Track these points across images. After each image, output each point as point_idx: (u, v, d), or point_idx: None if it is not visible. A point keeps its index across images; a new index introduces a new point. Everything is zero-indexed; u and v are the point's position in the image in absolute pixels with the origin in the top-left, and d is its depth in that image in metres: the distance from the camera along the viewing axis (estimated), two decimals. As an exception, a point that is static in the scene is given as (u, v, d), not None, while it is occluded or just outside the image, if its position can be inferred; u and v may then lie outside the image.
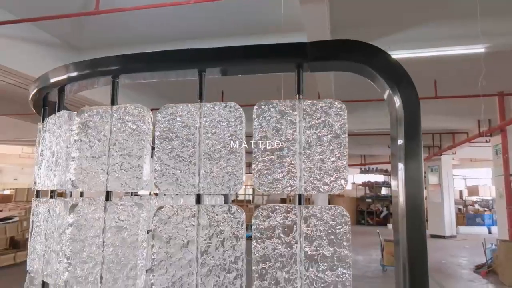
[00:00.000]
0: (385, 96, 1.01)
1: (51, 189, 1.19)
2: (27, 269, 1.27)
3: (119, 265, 1.02)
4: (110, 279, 1.03)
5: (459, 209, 16.57)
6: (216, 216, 1.00)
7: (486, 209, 16.60)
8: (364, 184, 19.73)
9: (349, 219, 0.95)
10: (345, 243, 0.94)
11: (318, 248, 0.95)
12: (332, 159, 0.97)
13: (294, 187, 0.97)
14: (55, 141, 1.20)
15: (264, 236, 0.97)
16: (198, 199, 1.02)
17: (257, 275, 0.97)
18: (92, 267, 1.04)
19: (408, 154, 0.95)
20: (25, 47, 6.49)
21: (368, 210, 18.06)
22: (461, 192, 18.74)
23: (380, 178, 20.02)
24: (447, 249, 10.96)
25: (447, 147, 12.32)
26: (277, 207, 0.98)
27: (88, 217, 1.07)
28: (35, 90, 1.30)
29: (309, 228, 0.96)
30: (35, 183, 1.30)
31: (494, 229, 13.46)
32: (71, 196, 1.69)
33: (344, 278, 0.93)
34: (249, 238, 0.93)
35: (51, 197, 1.20)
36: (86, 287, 1.05)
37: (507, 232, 9.10)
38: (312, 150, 0.98)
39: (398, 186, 0.98)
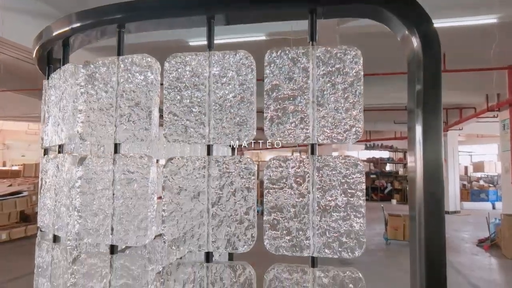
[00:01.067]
0: (401, 39, 0.96)
1: (59, 143, 1.18)
2: (38, 225, 1.27)
3: (129, 217, 1.02)
4: (121, 231, 1.02)
5: (464, 185, 16.60)
6: (227, 167, 0.98)
7: (491, 185, 16.61)
8: (369, 160, 19.73)
9: (363, 169, 0.92)
10: (358, 193, 0.92)
11: (331, 198, 0.93)
12: (347, 107, 0.94)
13: (307, 137, 0.95)
14: (61, 95, 1.18)
15: (276, 186, 0.96)
16: (209, 150, 1.00)
17: (268, 225, 0.96)
18: (103, 219, 1.04)
19: (428, 102, 0.91)
20: (25, 20, 6.39)
21: (372, 186, 18.14)
22: (466, 168, 18.70)
23: (384, 154, 20.00)
24: (451, 224, 11.03)
25: (454, 123, 12.19)
26: (290, 158, 0.96)
27: (97, 170, 1.06)
28: (39, 44, 1.26)
29: (322, 178, 0.94)
30: (42, 139, 1.29)
31: (498, 204, 13.50)
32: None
33: (358, 227, 0.92)
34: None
35: (59, 152, 1.18)
36: (97, 239, 1.05)
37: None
38: (325, 99, 0.95)
39: (415, 150, 0.93)
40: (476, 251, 8.08)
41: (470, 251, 8.10)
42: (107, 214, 1.04)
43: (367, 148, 19.46)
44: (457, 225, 11.03)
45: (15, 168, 13.49)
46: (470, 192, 15.90)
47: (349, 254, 0.91)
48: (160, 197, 1.06)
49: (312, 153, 0.95)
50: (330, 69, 0.95)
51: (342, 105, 0.94)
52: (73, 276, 1.05)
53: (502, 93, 9.68)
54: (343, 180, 0.93)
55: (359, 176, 0.92)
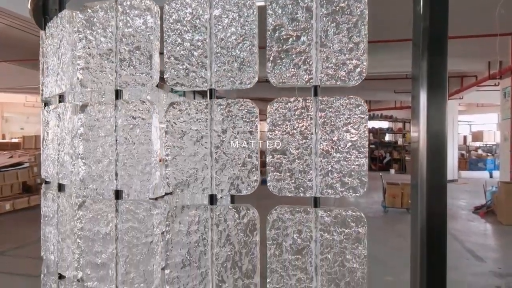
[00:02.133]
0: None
1: (59, 93, 1.17)
2: (42, 176, 1.28)
3: (133, 162, 1.03)
4: (125, 176, 1.03)
5: (462, 155, 16.71)
6: (230, 111, 0.98)
7: (489, 154, 16.72)
8: (368, 131, 19.69)
9: (366, 108, 0.92)
10: (361, 133, 0.92)
11: (334, 139, 0.93)
12: (350, 47, 0.92)
13: (310, 78, 0.94)
14: (59, 44, 1.15)
15: (279, 128, 0.96)
16: (211, 94, 0.99)
17: (272, 168, 0.96)
18: (107, 165, 1.05)
19: (433, 45, 0.89)
20: (18, -14, 6.18)
21: (371, 156, 18.25)
22: (465, 137, 18.76)
23: (384, 124, 19.97)
24: (448, 192, 11.16)
25: (454, 91, 12.11)
26: (292, 100, 0.95)
27: (99, 117, 1.05)
28: (34, -8, 1.22)
29: (325, 120, 0.94)
30: (42, 91, 1.27)
31: (496, 173, 13.65)
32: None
33: (360, 167, 0.93)
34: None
35: (60, 102, 1.18)
36: (102, 185, 1.06)
37: (509, 174, 9.21)
38: (329, 39, 0.93)
39: (419, 118, 0.93)
40: (472, 218, 8.23)
41: (466, 217, 8.25)
42: (111, 160, 1.04)
43: (366, 118, 19.32)
44: (454, 193, 11.18)
45: (15, 140, 13.50)
46: (468, 161, 16.04)
47: (351, 193, 0.93)
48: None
49: (315, 94, 0.94)
50: (334, 8, 0.92)
51: (346, 45, 0.92)
52: (79, 221, 1.07)
53: (504, 60, 9.54)
54: (346, 121, 0.93)
55: (362, 116, 0.92)
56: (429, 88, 0.90)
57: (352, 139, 0.92)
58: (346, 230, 0.93)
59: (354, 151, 0.92)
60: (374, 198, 10.06)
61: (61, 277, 1.18)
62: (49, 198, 1.23)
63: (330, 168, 0.94)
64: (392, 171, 16.82)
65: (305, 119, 0.95)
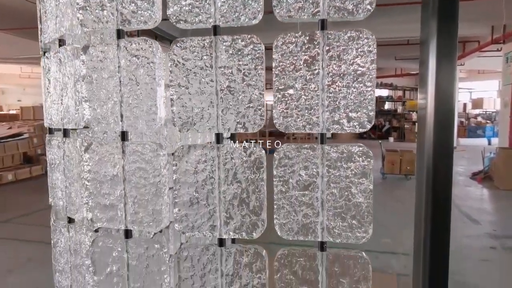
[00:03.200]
0: None
1: (59, 37, 1.14)
2: (46, 125, 1.28)
3: (137, 102, 1.02)
4: (130, 117, 1.03)
5: (461, 122, 16.71)
6: (235, 47, 0.96)
7: (488, 121, 16.72)
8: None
9: (375, 41, 0.90)
10: (369, 65, 0.91)
11: (341, 73, 0.92)
12: (359, -22, 0.89)
13: (317, 12, 0.91)
14: (56, -16, 1.12)
15: (284, 64, 0.94)
16: (215, 30, 0.97)
17: (279, 105, 0.96)
18: (112, 107, 1.04)
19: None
20: None
21: (370, 125, 18.18)
22: (465, 105, 18.69)
23: (384, 92, 19.82)
24: (446, 159, 11.25)
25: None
26: (298, 34, 0.93)
27: (101, 58, 1.03)
28: None
29: (332, 54, 0.92)
30: (41, 36, 1.25)
31: (494, 140, 13.70)
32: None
33: (368, 103, 0.92)
34: None
35: (60, 46, 1.15)
36: (108, 127, 1.06)
37: (507, 140, 9.26)
38: (337, -30, 0.90)
39: (427, 81, 0.91)
40: (469, 183, 8.35)
41: (464, 183, 8.36)
42: (116, 101, 1.03)
43: (366, 87, 19.13)
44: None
45: (13, 112, 13.42)
46: (467, 129, 16.07)
47: (358, 129, 0.93)
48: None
49: (322, 28, 0.92)
50: None
51: (354, -24, 0.89)
52: (86, 164, 1.07)
53: (509, 23, 9.35)
54: (354, 55, 0.91)
55: (370, 50, 0.90)
56: (438, 53, 0.89)
57: (359, 72, 0.91)
58: (352, 165, 0.94)
59: (361, 85, 0.91)
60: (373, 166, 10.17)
61: (70, 221, 1.20)
62: (54, 145, 1.23)
63: (337, 104, 0.93)
64: (391, 139, 16.89)
65: (311, 54, 0.93)
